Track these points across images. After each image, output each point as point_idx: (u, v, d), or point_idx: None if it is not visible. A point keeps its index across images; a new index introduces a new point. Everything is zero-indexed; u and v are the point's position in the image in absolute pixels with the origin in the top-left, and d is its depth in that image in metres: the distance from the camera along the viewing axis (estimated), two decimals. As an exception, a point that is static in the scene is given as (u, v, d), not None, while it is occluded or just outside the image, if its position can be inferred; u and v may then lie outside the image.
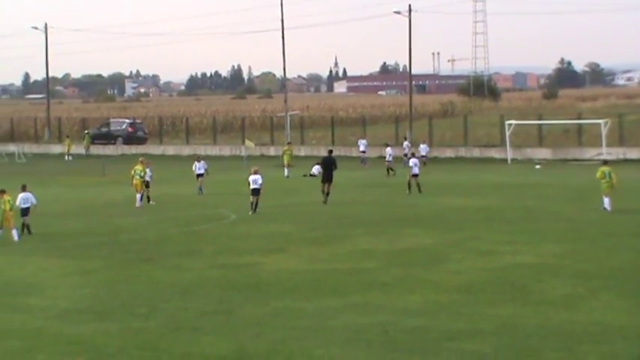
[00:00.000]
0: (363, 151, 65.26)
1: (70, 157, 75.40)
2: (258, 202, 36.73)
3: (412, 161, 44.17)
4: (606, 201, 35.05)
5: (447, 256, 25.99)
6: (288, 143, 62.80)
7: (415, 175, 43.28)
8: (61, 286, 22.88)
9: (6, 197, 30.91)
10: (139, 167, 40.16)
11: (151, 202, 40.09)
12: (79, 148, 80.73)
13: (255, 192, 36.70)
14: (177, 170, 59.28)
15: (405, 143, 64.26)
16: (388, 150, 57.25)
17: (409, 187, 43.16)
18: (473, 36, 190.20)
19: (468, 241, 28.58)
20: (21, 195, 32.07)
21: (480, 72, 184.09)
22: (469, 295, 20.70)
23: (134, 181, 39.93)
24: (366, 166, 61.73)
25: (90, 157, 75.70)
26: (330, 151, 43.71)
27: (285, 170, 54.09)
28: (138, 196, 39.34)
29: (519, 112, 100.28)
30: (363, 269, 24.18)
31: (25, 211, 31.90)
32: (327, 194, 39.70)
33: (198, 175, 44.98)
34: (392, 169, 55.07)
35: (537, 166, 56.25)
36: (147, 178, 41.21)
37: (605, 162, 37.38)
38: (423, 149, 61.59)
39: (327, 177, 40.18)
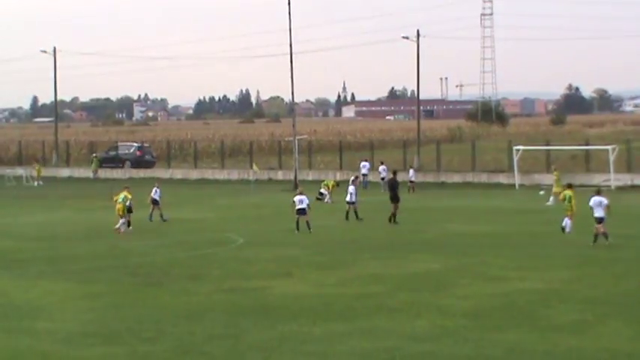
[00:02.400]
0: (365, 174, 65.56)
1: (41, 183, 73.54)
2: (309, 221, 38.30)
3: (351, 188, 43.49)
4: (567, 222, 35.51)
5: (454, 281, 25.94)
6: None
7: (351, 203, 42.96)
8: (68, 309, 22.88)
9: None
10: (124, 193, 39.48)
11: (129, 228, 39.34)
12: (86, 172, 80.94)
13: (301, 212, 38.52)
14: (185, 194, 59.40)
15: (381, 167, 65.07)
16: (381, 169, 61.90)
17: (347, 215, 42.73)
18: (481, 61, 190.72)
19: (475, 266, 28.54)
20: None
21: (487, 97, 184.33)
22: (476, 321, 20.66)
23: (117, 206, 39.23)
24: (367, 189, 61.77)
25: (98, 181, 75.87)
26: (395, 172, 44.26)
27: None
28: (121, 220, 38.74)
29: (527, 138, 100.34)
30: (371, 294, 24.15)
31: None
32: (394, 214, 40.90)
33: (154, 202, 43.20)
34: (413, 189, 59.36)
35: (541, 192, 56.19)
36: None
37: (569, 185, 37.03)
38: (412, 175, 61.91)
39: (394, 197, 41.30)
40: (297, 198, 38.93)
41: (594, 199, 32.80)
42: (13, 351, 18.59)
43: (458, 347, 18.18)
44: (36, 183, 73.81)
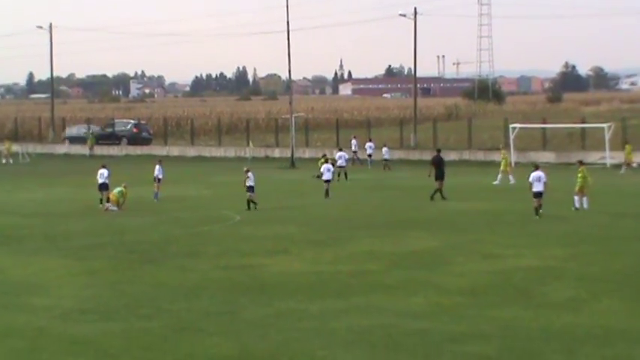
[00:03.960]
0: (355, 151, 65.71)
1: (10, 161, 72.05)
2: (329, 189, 42.28)
3: (325, 167, 44.16)
4: (577, 199, 35.92)
5: (450, 258, 26.01)
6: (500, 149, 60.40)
7: (327, 181, 43.40)
8: (65, 286, 22.93)
9: None
10: (121, 188, 39.51)
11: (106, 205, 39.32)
12: (83, 149, 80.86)
13: (328, 181, 42.37)
14: (182, 171, 59.37)
15: (353, 142, 65.88)
16: (384, 149, 61.75)
17: (327, 193, 43.11)
18: (478, 39, 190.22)
19: (471, 244, 28.61)
20: None
21: (484, 75, 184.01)
22: (472, 298, 20.72)
23: (111, 195, 39.13)
24: (362, 167, 61.90)
25: (94, 158, 75.82)
26: (439, 150, 44.68)
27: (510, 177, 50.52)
28: (109, 204, 38.71)
29: (523, 116, 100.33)
30: (367, 271, 24.22)
31: None
32: (440, 191, 41.09)
33: (158, 179, 42.74)
34: (389, 167, 60.13)
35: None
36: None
37: (581, 162, 37.64)
38: (385, 152, 62.29)
39: (439, 175, 41.52)
40: (325, 167, 43.51)
41: (533, 175, 34.65)
42: (9, 327, 18.63)
43: (454, 324, 18.24)
44: (4, 160, 71.87)
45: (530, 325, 18.09)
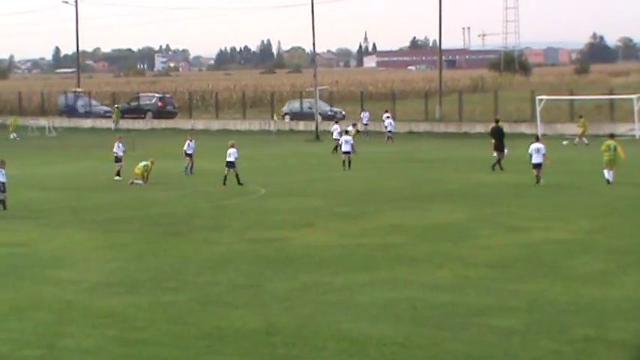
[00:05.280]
0: (366, 124, 65.85)
1: (17, 136, 70.23)
2: (351, 160, 42.55)
3: (344, 139, 44.22)
4: (607, 173, 35.47)
5: (476, 231, 25.90)
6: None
7: (346, 153, 43.39)
8: (92, 259, 23.01)
9: None
10: (147, 162, 39.31)
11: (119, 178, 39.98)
12: (107, 123, 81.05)
13: (347, 152, 42.72)
14: (207, 145, 59.37)
15: (385, 115, 65.51)
16: (389, 120, 62.60)
17: (344, 164, 43.22)
18: (504, 10, 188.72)
19: (497, 216, 28.47)
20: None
21: (510, 47, 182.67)
22: (499, 271, 20.63)
23: (136, 169, 39.11)
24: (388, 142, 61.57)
25: (119, 132, 75.97)
26: (497, 121, 44.75)
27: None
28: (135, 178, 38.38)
29: (550, 88, 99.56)
30: (392, 244, 24.15)
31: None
32: (500, 162, 41.18)
33: (187, 155, 42.76)
34: (391, 138, 60.58)
35: (564, 142, 55.90)
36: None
37: (612, 135, 37.58)
38: (389, 124, 62.34)
39: (499, 146, 41.59)
40: (344, 138, 43.75)
41: (533, 146, 35.97)
42: (37, 300, 18.72)
43: (480, 297, 18.17)
44: (12, 136, 70.29)
45: (558, 298, 17.98)
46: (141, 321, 16.92)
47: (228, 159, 38.01)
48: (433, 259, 22.00)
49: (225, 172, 37.96)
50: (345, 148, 43.31)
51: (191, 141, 43.05)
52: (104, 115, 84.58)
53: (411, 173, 41.62)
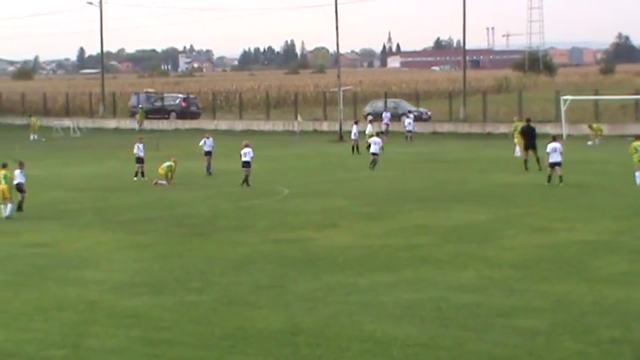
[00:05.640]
0: (387, 124, 65.58)
1: (36, 137, 70.33)
2: (376, 162, 42.96)
3: (373, 140, 44.50)
4: (638, 175, 34.88)
5: (500, 232, 25.82)
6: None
7: (374, 154, 43.64)
8: (116, 259, 23.11)
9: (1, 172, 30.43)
10: (170, 163, 39.05)
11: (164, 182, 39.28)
12: (131, 123, 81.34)
13: (375, 154, 43.12)
14: (231, 145, 59.45)
15: (385, 114, 65.83)
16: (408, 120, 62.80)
17: (371, 164, 43.51)
18: (528, 10, 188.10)
19: (522, 217, 28.37)
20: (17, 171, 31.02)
21: (535, 47, 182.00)
22: (523, 272, 20.55)
23: (159, 170, 38.89)
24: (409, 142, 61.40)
25: (143, 132, 76.25)
26: (528, 120, 44.68)
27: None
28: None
29: (575, 88, 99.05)
30: (416, 245, 24.11)
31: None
32: (526, 162, 41.15)
33: (206, 153, 42.53)
34: (410, 138, 61.23)
35: (589, 142, 55.63)
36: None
37: (638, 137, 37.04)
38: (408, 124, 62.69)
39: (530, 145, 41.43)
40: (372, 139, 43.94)
41: (550, 146, 36.05)
42: (62, 300, 18.82)
43: (504, 298, 18.11)
44: (32, 137, 70.29)
45: (583, 299, 17.90)
46: (165, 321, 16.97)
47: (244, 159, 37.98)
48: (457, 260, 21.95)
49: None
50: (373, 149, 43.51)
51: (208, 138, 42.94)
52: (184, 115, 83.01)
53: (435, 174, 41.53)
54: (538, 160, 40.40)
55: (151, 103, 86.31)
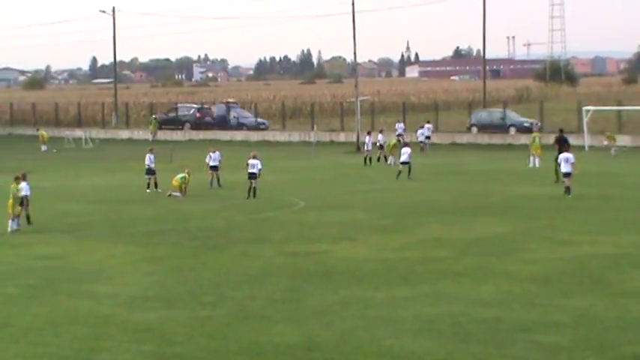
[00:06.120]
0: (401, 134, 65.10)
1: (47, 148, 70.14)
2: (401, 171, 43.85)
3: (404, 150, 45.08)
4: None
5: (521, 245, 25.77)
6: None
7: (404, 163, 44.43)
8: (129, 273, 23.17)
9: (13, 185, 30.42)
10: (184, 174, 39.12)
11: (178, 194, 39.35)
12: (145, 134, 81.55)
13: (405, 163, 43.91)
14: (245, 156, 59.51)
15: (427, 126, 65.63)
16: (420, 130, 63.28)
17: (408, 173, 44.16)
18: (549, 19, 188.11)
19: (543, 230, 28.30)
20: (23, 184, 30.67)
21: (556, 56, 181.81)
22: (544, 286, 20.50)
23: (174, 181, 39.00)
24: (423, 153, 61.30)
25: (157, 143, 76.47)
26: (561, 130, 44.72)
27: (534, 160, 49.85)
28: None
29: (598, 98, 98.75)
30: (435, 258, 24.09)
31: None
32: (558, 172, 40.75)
33: (212, 168, 42.18)
34: (423, 149, 60.88)
35: (613, 151, 55.52)
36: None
37: None
38: (420, 134, 63.25)
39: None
40: (403, 150, 44.61)
41: (562, 156, 36.74)
42: (74, 314, 18.88)
43: (525, 313, 18.07)
44: (43, 148, 70.01)
45: (606, 314, 17.84)
46: (178, 336, 17.01)
47: (251, 170, 38.03)
48: (477, 274, 21.92)
49: (253, 184, 37.99)
50: (403, 158, 44.27)
51: (214, 152, 42.62)
52: (257, 127, 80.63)
53: (454, 185, 41.48)
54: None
55: (235, 116, 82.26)
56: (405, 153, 44.48)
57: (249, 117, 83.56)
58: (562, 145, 41.51)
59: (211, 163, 42.32)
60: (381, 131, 57.76)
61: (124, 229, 30.59)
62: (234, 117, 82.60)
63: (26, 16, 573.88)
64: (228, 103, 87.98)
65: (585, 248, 25.04)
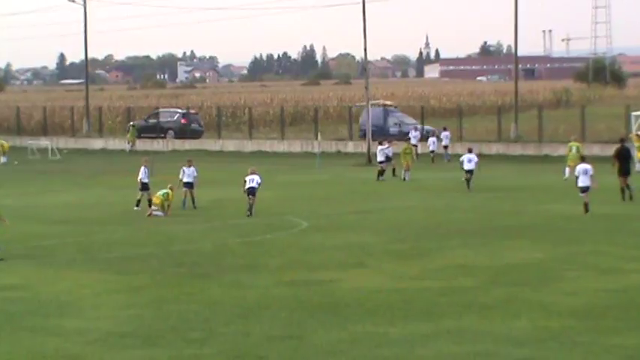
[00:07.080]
0: (415, 145, 64.81)
1: (6, 160, 69.76)
2: (469, 180, 45.26)
3: (466, 157, 46.39)
4: None
5: (560, 273, 25.78)
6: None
7: (468, 172, 45.78)
8: (103, 305, 23.18)
9: None
10: (166, 191, 39.18)
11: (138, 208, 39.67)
12: (121, 143, 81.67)
13: (471, 171, 45.38)
14: (238, 169, 59.67)
15: (444, 134, 66.81)
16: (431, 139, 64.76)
17: (468, 183, 45.71)
18: (593, 10, 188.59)
19: (585, 256, 28.32)
20: None
21: (600, 53, 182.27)
22: (587, 321, 20.51)
23: (154, 198, 39.06)
24: (449, 162, 61.67)
25: (136, 154, 76.56)
26: (622, 140, 44.51)
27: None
28: (154, 208, 35.33)
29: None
30: (459, 288, 24.11)
31: None
32: (625, 188, 40.68)
33: (186, 185, 40.94)
34: (432, 160, 62.60)
35: None
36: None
37: None
38: (431, 143, 64.07)
39: (625, 170, 41.10)
40: (465, 157, 45.88)
41: (579, 167, 36.95)
42: (38, 354, 18.89)
43: (564, 353, 18.08)
44: (1, 160, 69.79)
45: (659, 354, 17.85)
46: (160, 378, 17.01)
47: (250, 185, 38.19)
48: (508, 307, 21.93)
49: (250, 200, 38.14)
50: (467, 166, 45.71)
51: (188, 167, 41.29)
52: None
53: (481, 203, 41.51)
54: (628, 187, 40.27)
55: (396, 122, 77.01)
56: (471, 161, 45.83)
57: (410, 124, 75.96)
58: (624, 158, 41.07)
59: (185, 179, 40.96)
60: (381, 142, 55.69)
61: (97, 254, 30.62)
62: (395, 124, 77.22)
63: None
64: (384, 106, 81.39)
65: (634, 277, 25.06)
